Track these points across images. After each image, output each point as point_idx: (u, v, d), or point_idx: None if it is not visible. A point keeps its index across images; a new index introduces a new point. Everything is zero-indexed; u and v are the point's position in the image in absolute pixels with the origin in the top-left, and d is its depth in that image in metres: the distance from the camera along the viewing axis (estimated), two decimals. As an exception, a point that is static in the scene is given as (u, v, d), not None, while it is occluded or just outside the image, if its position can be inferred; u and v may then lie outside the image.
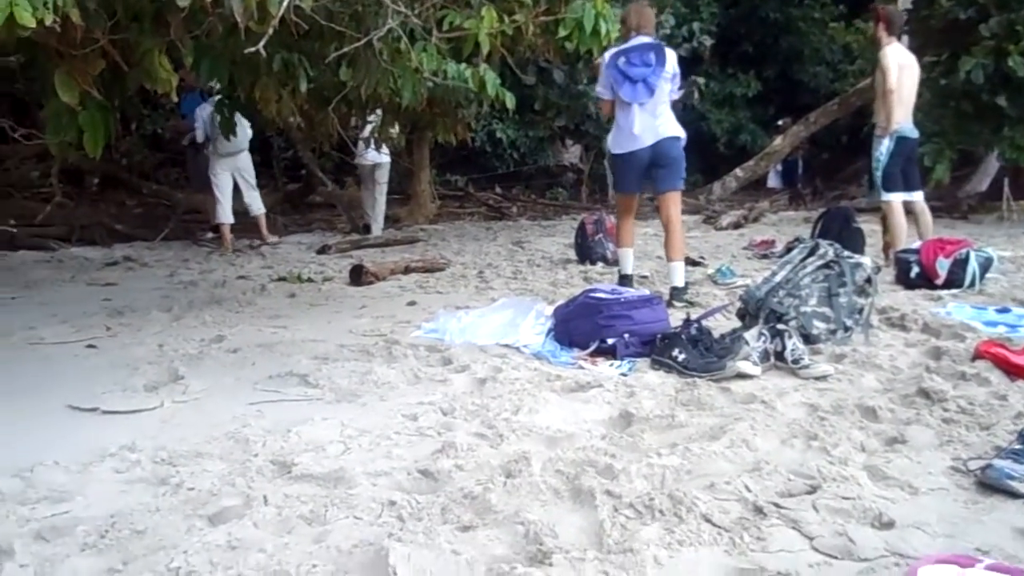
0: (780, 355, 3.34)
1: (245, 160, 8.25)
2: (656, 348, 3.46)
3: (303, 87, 4.40)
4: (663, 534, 1.90)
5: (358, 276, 6.06)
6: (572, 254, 6.97)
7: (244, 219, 8.60)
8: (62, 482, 2.29)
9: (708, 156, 12.98)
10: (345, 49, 3.48)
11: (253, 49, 2.89)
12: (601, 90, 4.98)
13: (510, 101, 4.97)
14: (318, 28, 3.70)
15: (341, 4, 3.73)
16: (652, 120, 4.85)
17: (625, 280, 5.16)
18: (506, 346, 3.88)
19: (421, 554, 1.76)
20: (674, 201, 5.00)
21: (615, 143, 5.00)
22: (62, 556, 1.82)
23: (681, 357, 3.30)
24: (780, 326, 3.43)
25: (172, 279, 6.59)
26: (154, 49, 3.15)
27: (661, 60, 4.80)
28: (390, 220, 9.85)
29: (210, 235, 8.61)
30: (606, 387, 3.12)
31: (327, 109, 4.91)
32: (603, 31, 3.93)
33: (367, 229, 8.93)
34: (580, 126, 9.81)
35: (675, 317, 4.00)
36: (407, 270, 6.43)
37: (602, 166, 11.11)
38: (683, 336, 3.39)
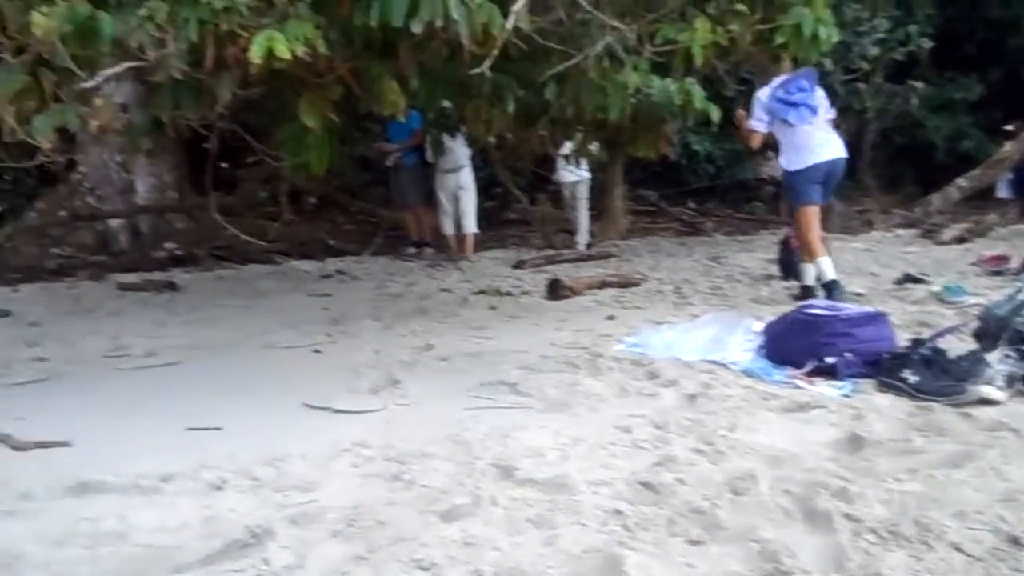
0: (1028, 380, 3.02)
1: (467, 177, 8.61)
2: (883, 368, 3.24)
3: (510, 107, 4.57)
4: (910, 561, 1.77)
5: (555, 290, 6.15)
6: (774, 270, 6.69)
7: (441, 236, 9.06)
8: (307, 473, 2.48)
9: (925, 166, 12.04)
10: (558, 68, 3.56)
11: (479, 70, 3.03)
12: (756, 123, 5.26)
13: (715, 114, 4.89)
14: (527, 49, 3.82)
15: (552, 24, 3.83)
16: (828, 135, 5.28)
17: (834, 286, 5.05)
18: (712, 362, 3.79)
19: (654, 564, 1.75)
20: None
21: (794, 161, 5.28)
22: (315, 541, 1.97)
23: (913, 379, 3.07)
24: (1029, 348, 3.11)
25: (380, 291, 6.97)
26: (384, 74, 3.38)
27: (812, 85, 5.24)
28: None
29: (411, 250, 9.04)
30: (829, 408, 2.97)
31: (532, 128, 5.07)
32: (823, 36, 3.77)
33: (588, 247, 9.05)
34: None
35: (902, 336, 3.73)
36: (603, 285, 6.44)
37: (804, 179, 10.62)
38: (915, 356, 3.15)
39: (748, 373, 3.57)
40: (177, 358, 4.46)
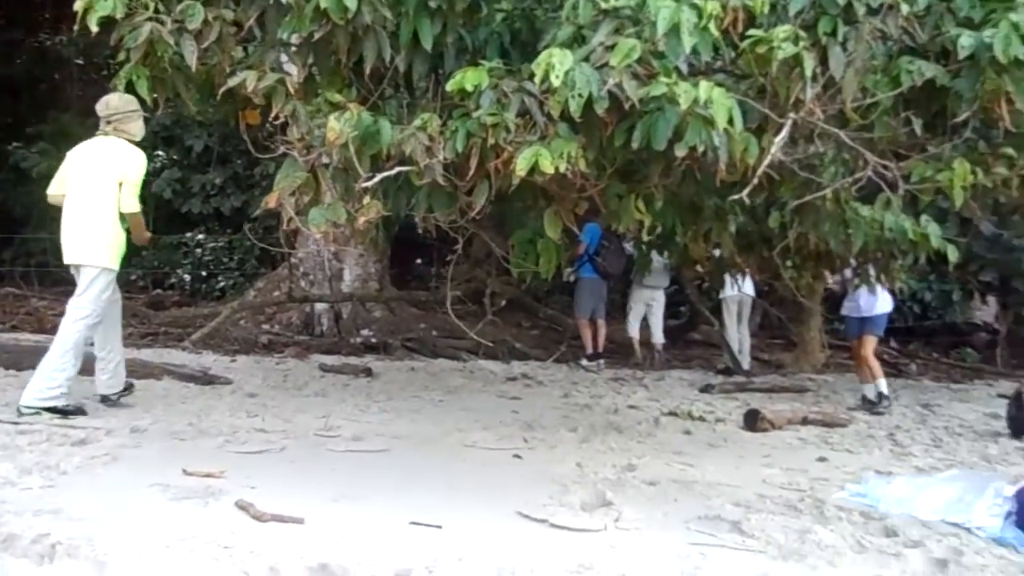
0: None
1: (660, 296, 9.22)
2: None
3: (732, 230, 4.54)
4: None
5: (753, 421, 5.88)
6: (1000, 426, 6.09)
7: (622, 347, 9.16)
8: (542, 591, 2.42)
9: None
10: (807, 197, 3.50)
11: (736, 197, 3.03)
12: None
13: (953, 254, 4.62)
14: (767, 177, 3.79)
15: (796, 152, 3.79)
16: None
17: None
18: (954, 524, 3.44)
19: None
20: None
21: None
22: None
23: None
24: None
25: (567, 400, 6.95)
26: (630, 194, 3.45)
27: None
28: (772, 365, 9.58)
29: (584, 362, 9.04)
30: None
31: (751, 253, 4.99)
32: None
33: (728, 372, 8.83)
34: (1008, 281, 8.82)
35: None
36: (805, 421, 6.10)
37: (1024, 327, 9.79)
38: None
39: (1000, 542, 3.20)
40: (384, 446, 4.60)
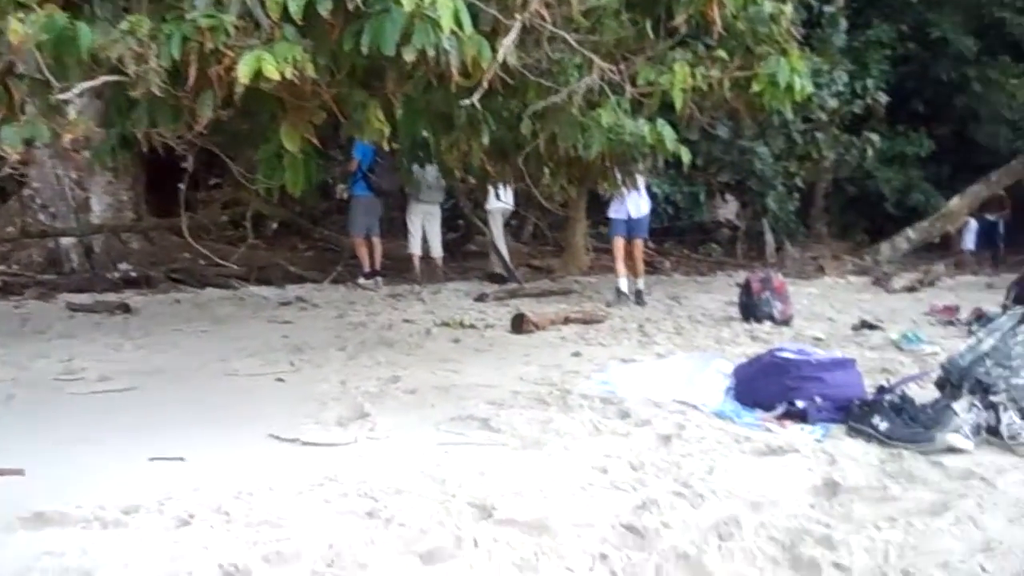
0: (993, 429, 3.09)
1: (436, 211, 9.24)
2: (853, 414, 3.28)
3: (485, 140, 4.57)
4: (901, 614, 1.77)
5: (519, 324, 6.13)
6: (734, 311, 6.78)
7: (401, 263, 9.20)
8: (278, 508, 2.40)
9: (874, 216, 12.42)
10: (540, 104, 3.58)
11: (467, 102, 3.03)
12: None
13: (686, 156, 4.94)
14: (506, 83, 3.83)
15: (534, 60, 3.85)
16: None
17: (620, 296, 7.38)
18: (683, 402, 3.79)
19: (646, 612, 1.72)
20: None
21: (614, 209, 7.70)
22: (294, 580, 1.90)
23: (883, 426, 3.11)
24: (994, 398, 3.18)
25: (342, 320, 6.86)
26: (369, 103, 3.35)
27: None
28: (543, 271, 10.00)
29: (361, 280, 8.99)
30: (802, 452, 2.99)
31: (505, 162, 5.07)
32: (797, 87, 3.86)
33: (499, 279, 9.15)
34: (743, 182, 9.70)
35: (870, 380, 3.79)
36: (566, 321, 6.44)
37: (759, 223, 10.84)
38: (884, 403, 3.20)
39: (719, 415, 3.58)
40: (133, 383, 4.32)
